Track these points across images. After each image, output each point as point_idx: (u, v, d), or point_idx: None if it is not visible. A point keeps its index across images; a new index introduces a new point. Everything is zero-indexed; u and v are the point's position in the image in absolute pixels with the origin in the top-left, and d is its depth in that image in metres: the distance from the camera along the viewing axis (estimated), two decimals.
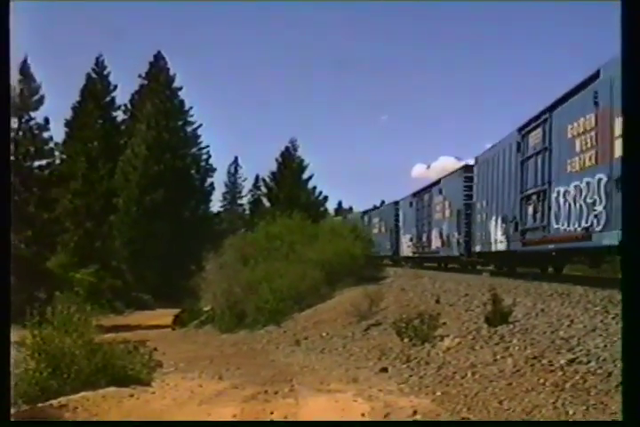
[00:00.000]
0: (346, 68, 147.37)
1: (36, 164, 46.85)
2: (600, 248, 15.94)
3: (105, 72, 62.15)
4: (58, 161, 59.19)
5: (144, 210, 55.62)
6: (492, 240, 24.81)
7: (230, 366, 16.86)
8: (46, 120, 47.43)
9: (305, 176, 70.35)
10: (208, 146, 64.06)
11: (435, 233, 34.74)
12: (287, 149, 70.80)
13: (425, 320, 14.64)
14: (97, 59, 62.06)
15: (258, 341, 22.76)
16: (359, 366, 14.32)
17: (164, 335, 30.31)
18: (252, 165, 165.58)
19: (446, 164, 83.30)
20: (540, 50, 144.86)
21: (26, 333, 12.18)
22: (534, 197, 20.50)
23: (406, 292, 22.73)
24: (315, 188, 71.01)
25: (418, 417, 9.06)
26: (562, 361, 9.65)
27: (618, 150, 14.43)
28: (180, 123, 61.84)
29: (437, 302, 18.34)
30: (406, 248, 42.39)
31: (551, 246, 19.20)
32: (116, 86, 62.44)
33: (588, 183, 16.39)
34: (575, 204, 17.23)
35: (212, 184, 64.84)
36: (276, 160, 70.83)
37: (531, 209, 20.86)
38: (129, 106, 64.32)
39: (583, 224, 16.59)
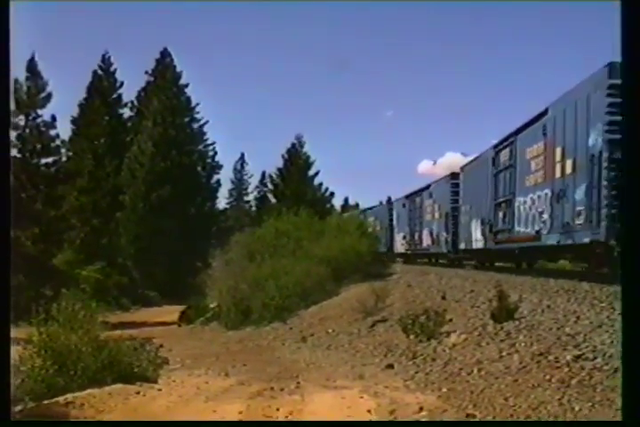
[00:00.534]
0: (351, 64, 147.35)
1: (43, 161, 46.73)
2: (546, 247, 20.54)
3: (111, 69, 62.25)
4: (64, 158, 59.22)
5: (150, 207, 55.71)
6: (473, 239, 29.13)
7: (236, 362, 16.86)
8: (53, 117, 47.31)
9: (311, 173, 70.39)
10: (214, 142, 64.16)
11: (426, 232, 39.01)
12: (293, 145, 70.82)
13: (431, 317, 14.64)
14: (103, 56, 62.20)
15: (264, 337, 22.75)
16: (365, 363, 14.32)
17: (171, 332, 30.29)
18: (258, 162, 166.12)
19: (453, 160, 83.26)
20: (547, 47, 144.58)
21: (32, 330, 12.19)
22: (503, 204, 24.80)
23: (412, 288, 22.74)
24: (321, 184, 71.06)
25: (424, 414, 9.06)
26: (568, 357, 9.65)
27: (558, 172, 19.11)
28: (187, 119, 61.84)
29: (443, 298, 18.35)
30: (400, 245, 45.84)
31: (514, 245, 23.86)
32: (122, 83, 62.62)
33: (538, 196, 20.89)
34: (530, 211, 21.75)
35: (218, 181, 64.98)
36: (283, 157, 70.87)
37: (501, 214, 25.10)
38: (135, 103, 64.34)
39: (535, 228, 21.14)
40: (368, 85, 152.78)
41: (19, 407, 9.68)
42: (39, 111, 47.01)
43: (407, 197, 44.63)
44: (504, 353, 11.11)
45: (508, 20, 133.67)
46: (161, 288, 52.70)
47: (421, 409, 9.25)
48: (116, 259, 55.36)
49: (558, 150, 19.10)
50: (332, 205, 74.72)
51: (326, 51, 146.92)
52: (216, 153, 64.10)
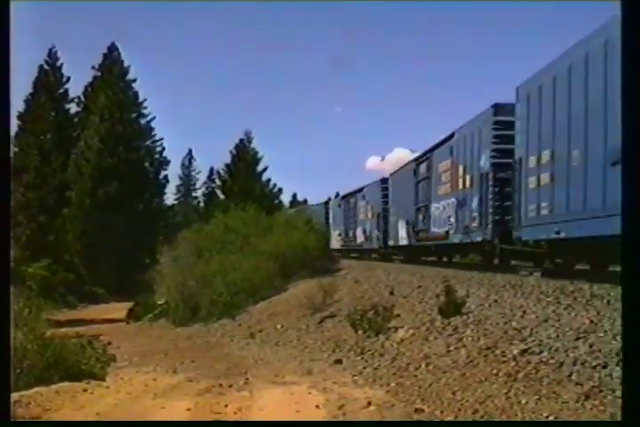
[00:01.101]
0: (300, 58, 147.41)
1: None
2: (453, 244, 25.69)
3: (57, 64, 61.56)
4: (10, 154, 58.56)
5: (97, 203, 55.12)
6: (400, 237, 33.69)
7: (185, 359, 16.84)
8: None
9: (259, 168, 70.23)
10: (162, 138, 63.51)
11: (359, 230, 44.31)
12: (241, 141, 70.61)
13: (379, 312, 14.71)
14: (50, 50, 61.42)
15: (212, 334, 22.75)
16: (314, 359, 14.37)
17: (118, 329, 30.12)
18: (206, 158, 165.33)
19: (401, 155, 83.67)
20: (500, 37, 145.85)
21: None
22: (422, 209, 29.66)
23: (360, 284, 22.83)
24: (269, 180, 70.95)
25: (372, 408, 9.10)
26: (515, 351, 9.74)
27: (460, 185, 24.04)
28: (134, 115, 61.27)
29: (391, 293, 18.43)
30: (336, 242, 50.13)
31: (431, 242, 28.82)
32: (69, 78, 61.86)
33: (447, 203, 25.70)
34: (442, 215, 26.42)
35: (166, 177, 64.31)
36: (231, 152, 70.64)
37: (421, 216, 29.88)
38: (82, 98, 63.61)
39: (444, 229, 26.01)
40: (317, 81, 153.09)
41: None
42: None
43: (342, 197, 51.50)
44: (451, 348, 11.19)
45: (462, 12, 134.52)
46: (108, 285, 52.23)
47: (369, 404, 9.29)
48: (62, 256, 54.77)
49: (461, 168, 24.09)
50: (281, 201, 74.66)
51: (275, 45, 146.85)
52: (164, 149, 63.53)
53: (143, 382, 12.88)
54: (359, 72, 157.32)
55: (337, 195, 60.58)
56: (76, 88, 64.99)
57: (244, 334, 20.73)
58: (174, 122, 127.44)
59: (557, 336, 9.84)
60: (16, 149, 57.85)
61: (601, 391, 7.60)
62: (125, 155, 57.19)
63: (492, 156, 21.15)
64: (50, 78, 60.72)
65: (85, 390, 11.52)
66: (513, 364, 9.37)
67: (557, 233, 16.07)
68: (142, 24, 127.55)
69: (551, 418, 7.38)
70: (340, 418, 8.87)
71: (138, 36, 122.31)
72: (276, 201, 70.37)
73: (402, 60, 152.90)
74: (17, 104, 60.10)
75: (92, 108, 59.56)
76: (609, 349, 8.56)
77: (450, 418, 8.14)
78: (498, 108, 21.09)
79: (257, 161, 69.84)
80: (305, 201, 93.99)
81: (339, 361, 13.29)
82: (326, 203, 57.41)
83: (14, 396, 10.44)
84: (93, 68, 63.26)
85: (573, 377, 8.24)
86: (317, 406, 9.56)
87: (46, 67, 61.10)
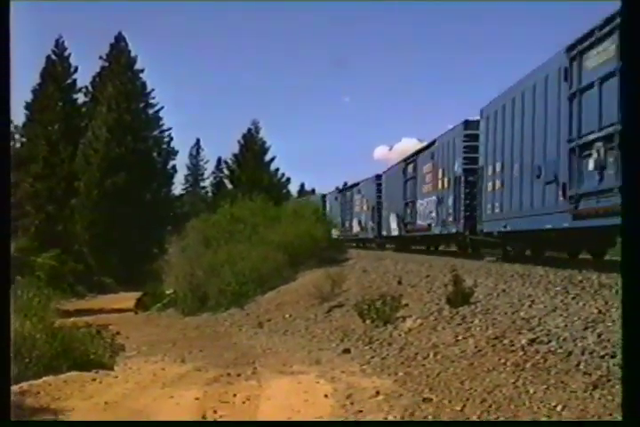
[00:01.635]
0: (309, 50, 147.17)
1: None
2: (434, 235, 30.12)
3: (65, 54, 61.56)
4: (18, 144, 58.72)
5: (105, 193, 55.21)
6: (392, 228, 37.56)
7: (193, 348, 16.85)
8: None
9: (267, 158, 70.38)
10: (170, 128, 63.50)
11: (355, 221, 48.33)
12: (249, 130, 70.70)
13: (387, 301, 14.70)
14: (57, 40, 61.49)
15: (220, 323, 22.74)
16: (322, 348, 14.37)
17: (127, 319, 30.18)
18: (214, 148, 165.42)
19: (409, 145, 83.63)
20: (511, 29, 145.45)
21: None
22: (410, 204, 33.76)
23: (368, 273, 22.82)
24: (277, 170, 71.03)
25: (380, 398, 9.11)
26: (523, 341, 9.73)
27: (439, 185, 28.23)
28: (142, 105, 61.28)
29: (399, 283, 18.41)
30: (333, 232, 51.17)
31: (417, 233, 33.18)
32: (76, 68, 61.92)
33: (430, 200, 29.92)
34: (425, 210, 30.72)
35: (174, 167, 64.37)
36: (239, 142, 70.71)
37: (409, 210, 33.96)
38: (90, 88, 63.60)
39: (427, 222, 30.32)
40: (326, 71, 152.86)
41: None
42: None
43: (339, 191, 55.72)
44: (460, 337, 11.17)
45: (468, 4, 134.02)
46: (117, 275, 52.39)
47: (378, 393, 9.30)
48: (71, 246, 54.88)
49: (440, 171, 28.29)
50: (289, 191, 74.80)
51: (282, 36, 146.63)
52: (172, 139, 63.55)
53: (152, 371, 12.91)
54: (367, 62, 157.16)
55: (345, 184, 61.18)
56: (83, 78, 65.05)
57: (252, 324, 20.73)
58: (182, 112, 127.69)
59: (566, 326, 9.83)
60: (24, 140, 57.94)
61: (609, 381, 7.58)
62: (133, 145, 57.26)
63: (464, 162, 25.26)
64: (57, 68, 60.79)
65: (94, 380, 11.55)
66: (521, 353, 9.36)
67: (505, 227, 20.45)
68: (149, 14, 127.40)
69: (559, 408, 7.37)
70: (348, 407, 8.89)
71: (145, 26, 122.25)
72: (284, 191, 70.45)
73: (410, 49, 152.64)
74: (25, 94, 60.25)
75: (100, 99, 59.60)
76: (617, 338, 8.55)
77: (458, 408, 8.13)
78: (468, 124, 25.22)
79: (265, 151, 69.99)
80: (313, 191, 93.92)
81: (347, 351, 13.28)
82: (323, 196, 60.44)
83: (24, 385, 10.50)
84: (101, 58, 63.28)
85: (582, 367, 8.23)
86: (325, 396, 9.58)
87: (54, 57, 61.14)
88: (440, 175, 28.13)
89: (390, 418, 8.26)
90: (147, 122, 61.03)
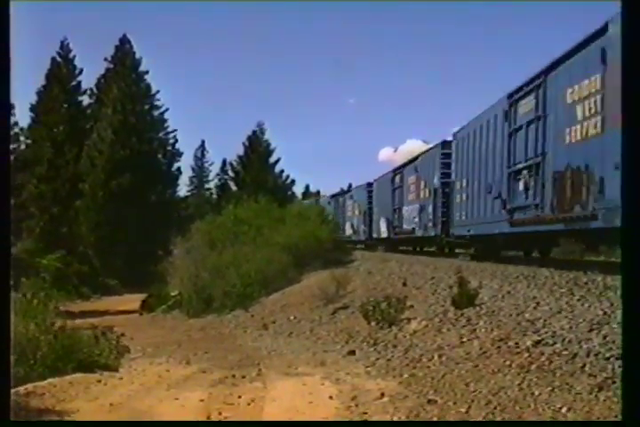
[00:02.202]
0: (313, 52, 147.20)
1: None
2: (416, 237, 33.62)
3: (70, 56, 61.61)
4: (23, 146, 58.81)
5: (110, 195, 55.20)
6: (382, 231, 41.42)
7: (198, 350, 16.84)
8: (11, 105, 46.93)
9: (272, 160, 70.40)
10: (175, 130, 63.43)
11: (348, 224, 52.05)
12: (254, 132, 70.74)
13: (392, 303, 14.70)
14: (62, 42, 61.49)
15: (225, 325, 22.76)
16: (327, 350, 14.36)
17: (132, 320, 30.18)
18: (218, 150, 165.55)
19: (414, 147, 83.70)
20: (516, 30, 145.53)
21: None
22: (397, 210, 37.36)
23: (373, 275, 22.85)
24: (282, 171, 71.07)
25: (385, 400, 9.10)
26: (528, 343, 9.73)
27: (422, 195, 31.95)
28: (147, 107, 61.25)
29: (404, 284, 18.43)
30: None
31: (403, 236, 36.57)
32: (81, 70, 61.92)
33: (414, 207, 33.36)
34: (410, 216, 34.14)
35: (178, 168, 64.22)
36: (243, 144, 70.77)
37: (396, 216, 37.57)
38: (95, 90, 63.63)
39: (412, 226, 33.78)
40: (331, 73, 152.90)
41: None
42: None
43: (332, 196, 60.59)
44: (464, 339, 11.19)
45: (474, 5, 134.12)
46: (122, 277, 52.36)
47: (382, 395, 9.29)
48: (76, 247, 54.91)
49: (422, 182, 32.13)
50: (293, 193, 74.87)
51: (288, 38, 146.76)
52: (176, 140, 63.40)
53: (157, 373, 12.91)
54: (373, 63, 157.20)
55: (349, 186, 61.99)
56: (88, 80, 65.09)
57: (257, 326, 20.73)
58: (187, 114, 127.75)
59: (571, 328, 9.83)
60: (29, 142, 58.00)
61: (614, 383, 7.58)
62: (138, 147, 57.23)
63: (441, 177, 29.13)
64: (62, 70, 60.80)
65: (99, 381, 11.57)
66: (526, 355, 9.37)
67: (469, 231, 24.69)
68: (154, 16, 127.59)
69: (564, 410, 7.37)
70: (353, 409, 8.88)
71: (150, 28, 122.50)
72: (289, 192, 70.50)
73: (415, 50, 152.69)
74: (30, 96, 60.35)
75: (105, 100, 59.62)
76: None
77: (463, 409, 8.13)
78: (444, 144, 29.21)
79: (270, 153, 70.05)
80: (318, 192, 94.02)
81: (352, 352, 13.27)
82: (316, 201, 62.98)
83: (29, 387, 10.51)
84: (106, 60, 63.28)
85: (587, 369, 8.23)
86: (330, 397, 9.57)
87: (59, 59, 61.18)
88: (422, 186, 32.15)
89: (395, 420, 8.26)
90: (152, 124, 60.97)
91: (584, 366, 8.33)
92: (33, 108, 60.25)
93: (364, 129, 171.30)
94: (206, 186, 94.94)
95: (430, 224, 30.35)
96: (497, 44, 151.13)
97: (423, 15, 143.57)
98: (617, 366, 7.96)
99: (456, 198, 26.43)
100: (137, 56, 61.33)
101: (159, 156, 61.26)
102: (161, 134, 62.35)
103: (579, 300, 11.51)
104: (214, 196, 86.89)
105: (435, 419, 8.02)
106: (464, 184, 25.19)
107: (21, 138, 58.43)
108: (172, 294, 32.40)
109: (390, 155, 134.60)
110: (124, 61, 61.16)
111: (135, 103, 59.22)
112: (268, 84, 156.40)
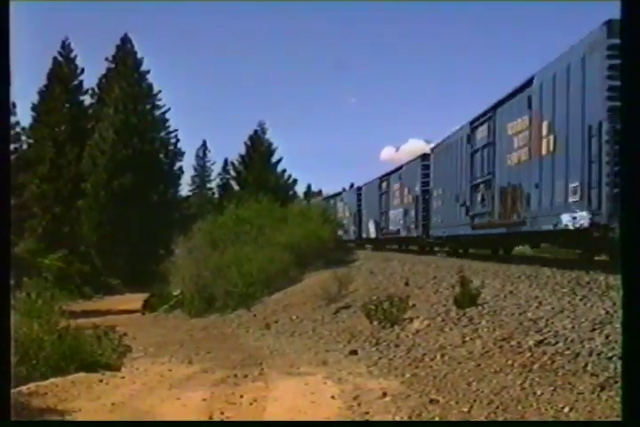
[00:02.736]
0: (315, 52, 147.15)
1: None
2: (401, 237, 37.66)
3: (71, 55, 61.59)
4: (25, 146, 58.81)
5: (112, 194, 55.23)
6: (370, 232, 45.50)
7: (200, 350, 16.83)
8: (12, 105, 46.92)
9: (274, 159, 70.34)
10: (176, 130, 63.48)
11: None
12: (256, 132, 70.69)
13: (394, 303, 14.67)
14: (63, 42, 61.51)
15: (227, 325, 22.74)
16: (329, 349, 14.34)
17: (134, 320, 30.18)
18: (220, 149, 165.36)
19: (415, 146, 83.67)
20: (518, 30, 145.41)
21: None
22: (384, 213, 41.36)
23: (375, 275, 22.84)
24: (284, 171, 71.01)
25: (387, 399, 9.09)
26: (530, 342, 9.72)
27: (405, 200, 35.72)
28: (148, 106, 61.26)
29: (406, 284, 18.42)
30: None
31: (389, 236, 40.55)
32: (83, 70, 61.95)
33: (399, 211, 37.07)
34: (395, 219, 38.04)
35: (180, 168, 64.30)
36: (245, 143, 70.71)
37: (383, 218, 41.56)
38: (96, 90, 63.61)
39: (397, 227, 37.53)
40: (332, 72, 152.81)
41: None
42: None
43: (323, 199, 65.15)
44: (467, 338, 11.17)
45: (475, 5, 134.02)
46: (124, 276, 52.41)
47: (385, 395, 9.28)
48: (78, 247, 54.96)
49: (406, 189, 35.85)
50: (295, 192, 74.74)
51: (290, 38, 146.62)
52: (178, 140, 63.47)
53: (159, 372, 12.90)
54: (374, 63, 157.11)
55: (351, 186, 61.94)
56: (90, 80, 65.09)
57: (259, 325, 20.71)
58: (189, 113, 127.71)
59: (573, 327, 9.82)
60: (31, 141, 58.00)
61: (617, 382, 7.57)
62: (140, 146, 57.27)
63: (421, 185, 32.82)
64: (64, 70, 60.83)
65: (101, 381, 11.56)
66: (528, 355, 9.36)
67: (444, 233, 28.37)
68: (155, 15, 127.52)
69: (566, 409, 7.36)
70: (355, 409, 8.87)
71: (151, 27, 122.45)
72: (291, 192, 70.44)
73: (417, 50, 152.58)
74: (31, 96, 60.34)
75: (107, 100, 59.65)
76: None
77: (465, 409, 8.12)
78: (424, 156, 33.08)
79: (271, 152, 69.99)
80: (320, 192, 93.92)
81: (354, 352, 13.25)
82: (308, 202, 64.62)
83: (31, 386, 10.51)
84: (107, 59, 63.25)
85: (589, 368, 8.22)
86: (333, 397, 9.55)
87: (60, 58, 61.18)
88: (406, 193, 35.97)
89: (397, 420, 8.25)
90: (153, 123, 61.00)
91: (586, 365, 8.31)
92: (35, 108, 60.26)
93: (366, 128, 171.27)
94: (208, 186, 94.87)
95: (413, 226, 34.07)
96: (497, 44, 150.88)
97: (423, 15, 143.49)
98: (619, 365, 7.94)
99: (434, 204, 30.59)
100: (138, 56, 61.48)
101: (161, 155, 61.29)
102: (162, 134, 62.40)
103: (581, 299, 11.49)
104: (216, 195, 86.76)
105: (437, 419, 8.01)
106: (440, 192, 29.18)
107: (23, 137, 58.40)
108: (174, 293, 32.40)
109: (392, 154, 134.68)
110: (125, 61, 61.17)
111: (137, 103, 59.26)
112: (269, 84, 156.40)
